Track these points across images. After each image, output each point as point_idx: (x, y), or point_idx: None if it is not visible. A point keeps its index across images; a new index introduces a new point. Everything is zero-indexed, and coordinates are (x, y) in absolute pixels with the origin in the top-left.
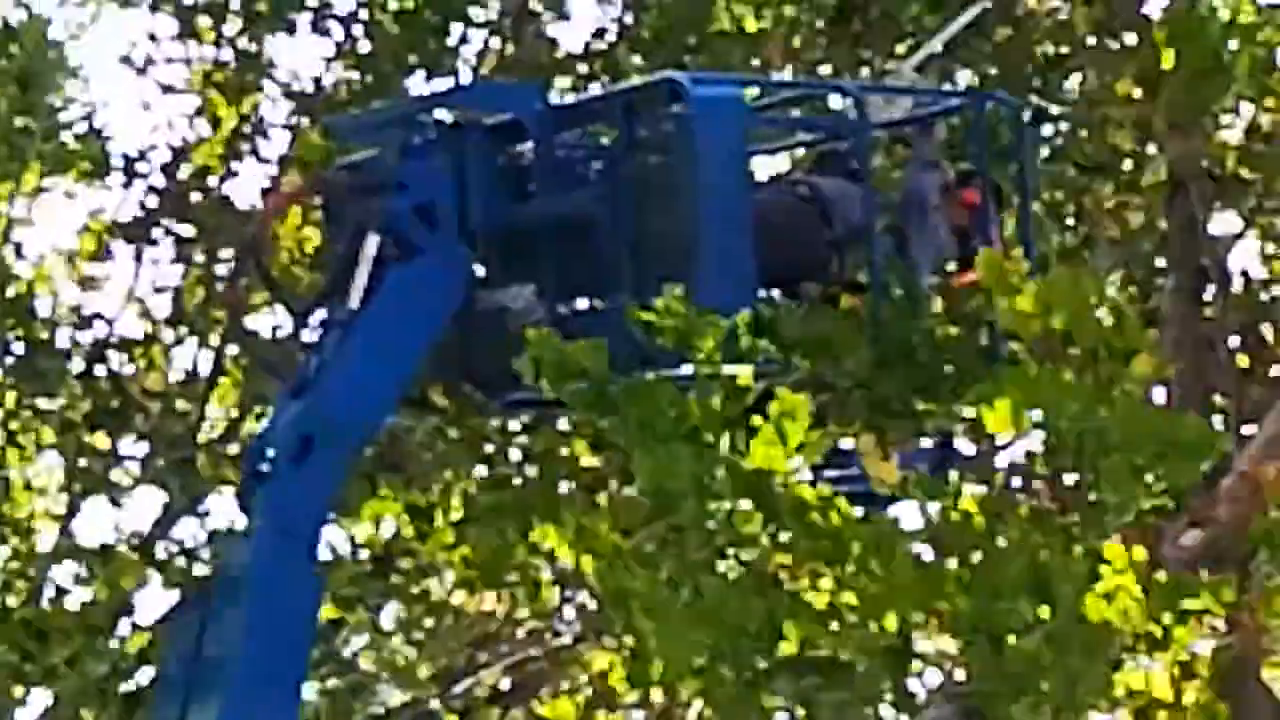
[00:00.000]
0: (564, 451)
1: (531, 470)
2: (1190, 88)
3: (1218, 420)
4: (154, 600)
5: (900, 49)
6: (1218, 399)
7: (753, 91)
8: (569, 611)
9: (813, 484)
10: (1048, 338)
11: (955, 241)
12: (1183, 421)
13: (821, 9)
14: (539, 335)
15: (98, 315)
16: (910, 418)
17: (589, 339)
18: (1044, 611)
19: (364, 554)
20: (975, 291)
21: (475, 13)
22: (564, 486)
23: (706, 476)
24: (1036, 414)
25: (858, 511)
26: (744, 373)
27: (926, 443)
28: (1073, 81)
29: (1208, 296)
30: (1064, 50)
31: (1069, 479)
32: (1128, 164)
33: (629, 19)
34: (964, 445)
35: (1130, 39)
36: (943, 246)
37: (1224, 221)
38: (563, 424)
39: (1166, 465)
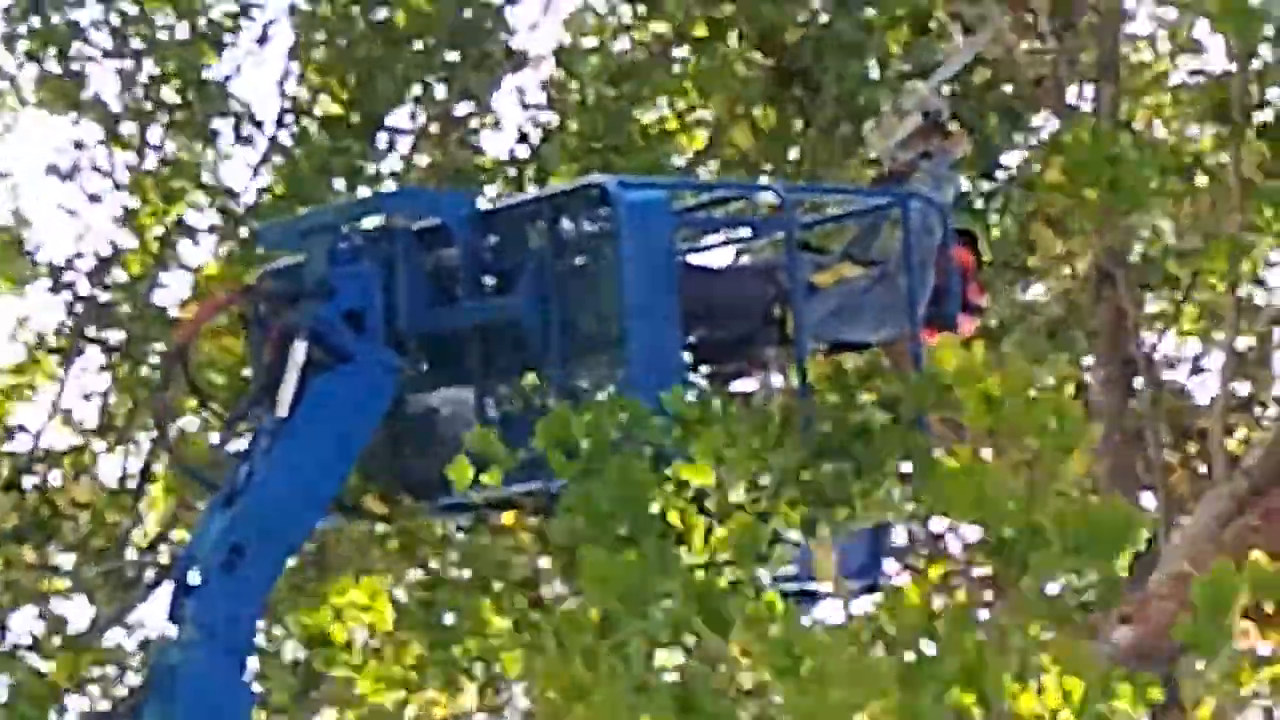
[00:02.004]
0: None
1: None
2: (1110, 189)
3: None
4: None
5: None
6: (1146, 493)
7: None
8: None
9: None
10: (992, 430)
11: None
12: (1110, 507)
13: (755, 80)
14: (480, 434)
15: (23, 426)
16: (845, 506)
17: (519, 441)
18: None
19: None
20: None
21: (401, 119)
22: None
23: (654, 584)
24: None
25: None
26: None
27: (858, 530)
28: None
29: (1135, 388)
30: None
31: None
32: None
33: (555, 121)
34: (897, 533)
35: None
36: (921, 302)
37: (1152, 312)
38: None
39: (1094, 551)
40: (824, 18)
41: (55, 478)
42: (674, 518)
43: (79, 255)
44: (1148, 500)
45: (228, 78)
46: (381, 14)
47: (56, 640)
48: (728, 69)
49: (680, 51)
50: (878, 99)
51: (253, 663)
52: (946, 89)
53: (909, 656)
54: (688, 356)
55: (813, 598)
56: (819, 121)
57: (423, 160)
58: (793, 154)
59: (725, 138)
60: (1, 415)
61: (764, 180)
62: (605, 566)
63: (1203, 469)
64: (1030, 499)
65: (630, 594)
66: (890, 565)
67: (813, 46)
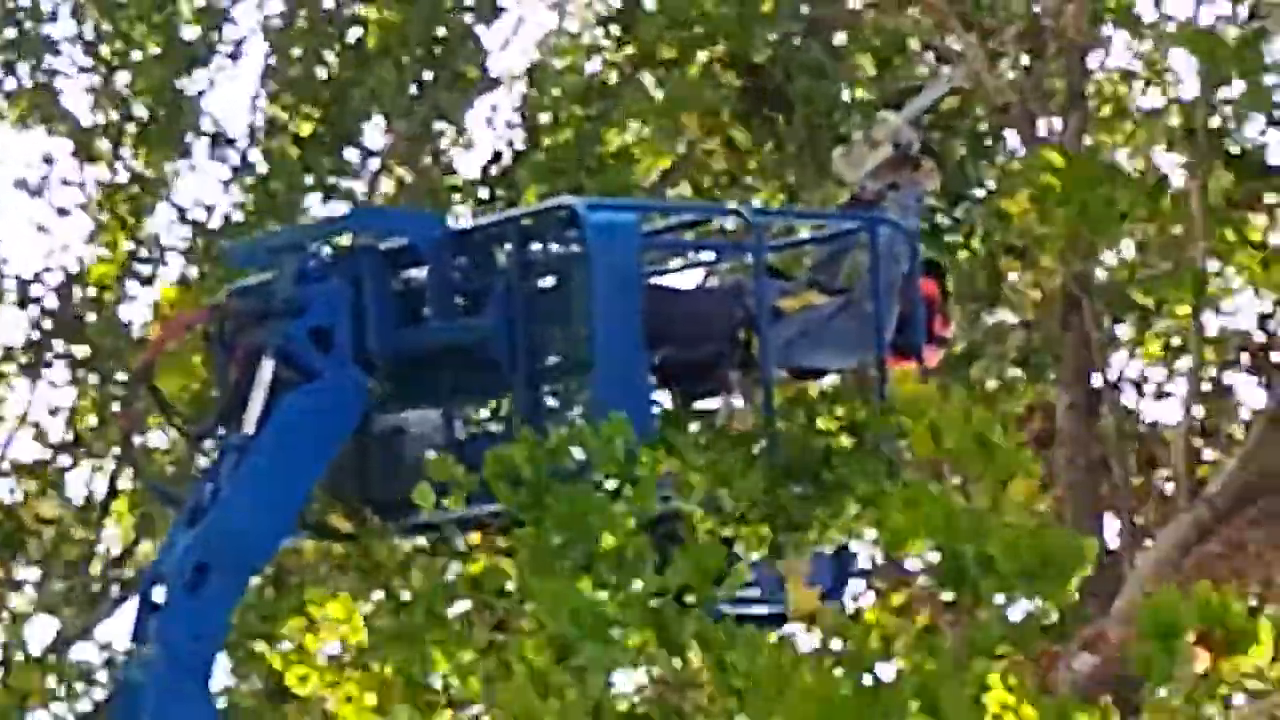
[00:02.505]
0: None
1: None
2: (1079, 216)
3: (1112, 541)
4: None
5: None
6: (1111, 518)
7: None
8: None
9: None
10: (938, 459)
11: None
12: (1054, 536)
13: (726, 100)
14: (438, 459)
15: None
16: (808, 530)
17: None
18: None
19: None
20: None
21: (372, 138)
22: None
23: (609, 610)
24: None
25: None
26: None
27: (821, 553)
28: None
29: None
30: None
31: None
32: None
33: (525, 141)
34: (861, 556)
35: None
36: (886, 330)
37: (1117, 340)
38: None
39: (1040, 581)
40: (795, 40)
41: (20, 493)
42: (627, 543)
43: (47, 269)
44: (1112, 526)
45: (201, 94)
46: (355, 32)
47: (19, 657)
48: (698, 89)
49: (651, 74)
50: (850, 121)
51: (216, 682)
52: (920, 119)
53: (868, 679)
54: (652, 378)
55: (776, 620)
56: (791, 142)
57: (394, 179)
58: (766, 174)
59: (695, 159)
60: None
61: (733, 203)
62: (558, 594)
63: (1168, 495)
64: (979, 527)
65: (584, 620)
66: (855, 588)
67: (783, 68)
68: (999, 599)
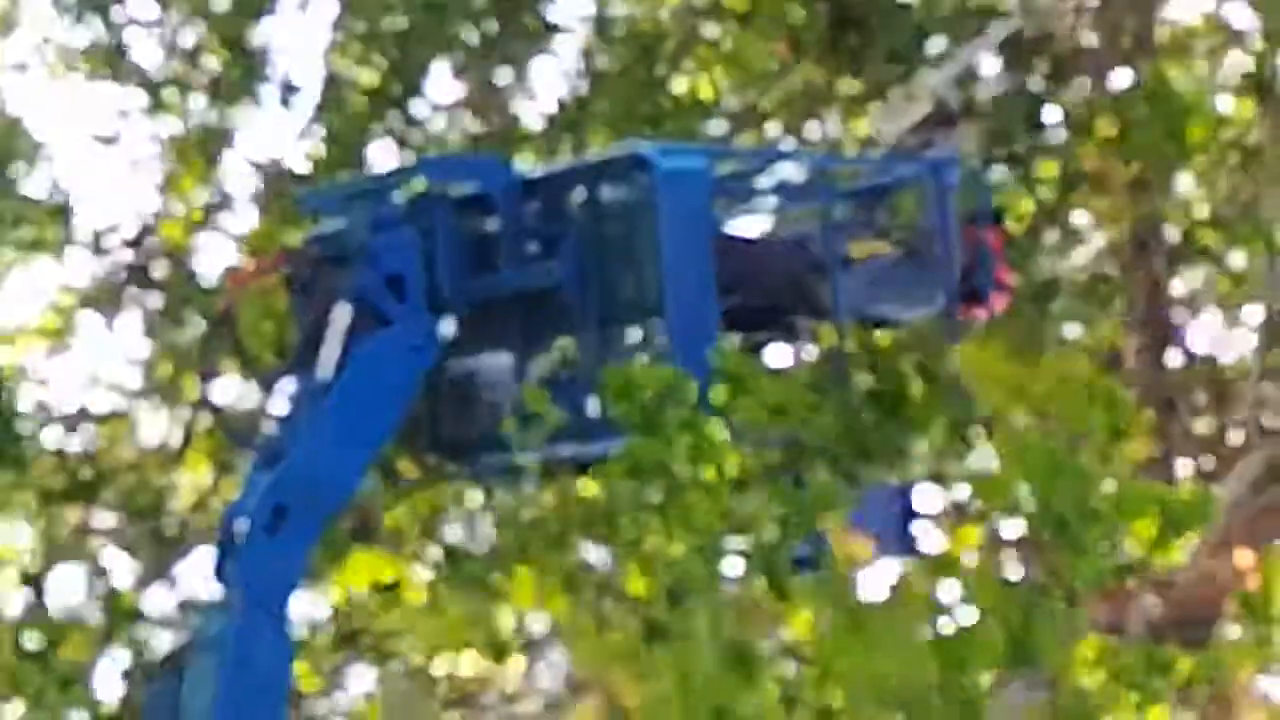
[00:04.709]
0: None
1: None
2: (1156, 146)
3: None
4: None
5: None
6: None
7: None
8: (544, 672)
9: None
10: (1036, 413)
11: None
12: (1175, 493)
13: (814, 28)
14: (532, 392)
15: (66, 389)
16: (880, 462)
17: (558, 405)
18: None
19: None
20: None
21: (440, 87)
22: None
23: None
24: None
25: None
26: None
27: (882, 493)
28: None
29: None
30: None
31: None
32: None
33: (588, 91)
34: (924, 498)
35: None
36: (954, 278)
37: (1186, 283)
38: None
39: (1160, 534)
40: None
41: (97, 440)
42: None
43: (120, 222)
44: (1181, 468)
45: (269, 45)
46: None
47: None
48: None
49: (712, 26)
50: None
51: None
52: (990, 57)
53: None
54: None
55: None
56: (869, 74)
57: (461, 129)
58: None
59: (760, 107)
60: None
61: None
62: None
63: (1235, 437)
64: (1085, 480)
65: (708, 555)
66: (922, 531)
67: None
68: (1102, 547)
